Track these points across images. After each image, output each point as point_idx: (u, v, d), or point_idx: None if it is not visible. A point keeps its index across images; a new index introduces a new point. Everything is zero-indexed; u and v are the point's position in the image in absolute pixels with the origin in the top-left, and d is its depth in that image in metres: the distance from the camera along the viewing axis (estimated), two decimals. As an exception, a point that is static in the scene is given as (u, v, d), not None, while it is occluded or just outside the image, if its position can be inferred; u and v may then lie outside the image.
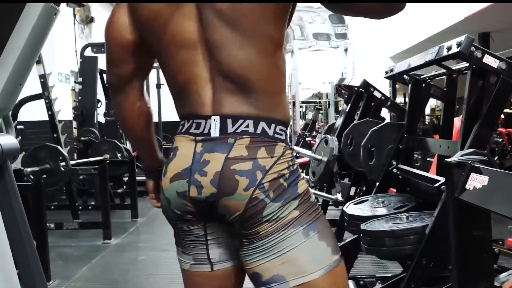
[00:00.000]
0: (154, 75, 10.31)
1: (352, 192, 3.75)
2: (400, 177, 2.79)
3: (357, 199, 2.83)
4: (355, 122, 3.76)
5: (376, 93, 3.72)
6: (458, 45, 1.83)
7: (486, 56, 1.84)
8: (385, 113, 4.97)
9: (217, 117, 1.08)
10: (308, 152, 4.15)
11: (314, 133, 8.33)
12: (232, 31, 1.06)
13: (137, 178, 8.40)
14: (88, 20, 8.79)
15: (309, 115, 8.04)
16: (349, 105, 4.04)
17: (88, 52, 6.98)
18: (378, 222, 2.32)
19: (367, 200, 2.78)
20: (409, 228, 2.09)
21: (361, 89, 3.86)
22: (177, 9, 1.08)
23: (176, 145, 1.13)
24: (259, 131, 1.08)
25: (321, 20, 11.70)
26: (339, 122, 4.22)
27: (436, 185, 2.11)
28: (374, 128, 3.01)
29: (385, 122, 2.94)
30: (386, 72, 2.94)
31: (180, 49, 1.11)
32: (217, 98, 1.09)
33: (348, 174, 3.94)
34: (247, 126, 1.08)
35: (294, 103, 10.02)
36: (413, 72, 2.70)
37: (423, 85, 2.80)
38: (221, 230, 1.16)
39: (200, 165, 1.07)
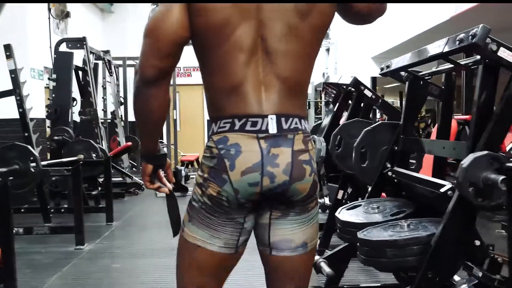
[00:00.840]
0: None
1: (340, 195, 3.57)
2: (395, 180, 2.62)
3: (349, 204, 2.64)
4: (344, 122, 3.58)
5: (366, 92, 3.55)
6: (473, 36, 1.65)
7: (502, 49, 1.67)
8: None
9: (274, 116, 1.27)
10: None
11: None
12: (297, 42, 1.28)
13: (113, 179, 8.16)
14: (64, 15, 8.47)
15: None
16: (337, 104, 3.86)
17: (63, 48, 6.69)
18: (376, 230, 2.13)
19: (360, 205, 2.60)
20: (412, 238, 1.90)
21: (350, 88, 3.68)
22: (246, 18, 1.25)
23: (236, 142, 1.27)
24: (303, 127, 1.34)
25: (303, 20, 11.55)
26: (326, 122, 4.05)
27: (442, 190, 1.93)
28: (368, 128, 2.83)
29: (379, 122, 2.76)
30: (382, 69, 2.76)
31: (241, 53, 1.26)
32: (270, 99, 1.28)
33: (335, 177, 3.76)
34: (296, 123, 1.31)
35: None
36: (411, 69, 2.53)
37: (421, 82, 2.63)
38: (252, 221, 1.37)
39: (270, 158, 1.26)
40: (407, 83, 2.64)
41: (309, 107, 11.62)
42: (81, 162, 4.31)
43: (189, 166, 9.76)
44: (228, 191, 1.29)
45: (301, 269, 1.42)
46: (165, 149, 1.72)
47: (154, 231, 4.93)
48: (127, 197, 7.10)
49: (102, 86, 8.73)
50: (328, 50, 9.97)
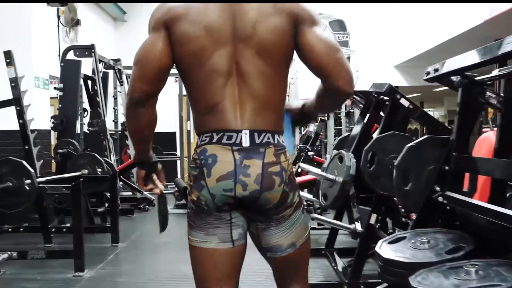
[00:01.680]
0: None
1: (372, 220, 3.10)
2: (447, 207, 2.16)
3: (391, 237, 2.18)
4: (377, 135, 3.11)
5: (403, 101, 3.09)
6: None
7: None
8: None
9: (247, 131, 1.47)
10: (318, 171, 3.50)
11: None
12: (261, 62, 1.47)
13: (122, 193, 7.78)
14: (74, 23, 8.15)
15: (310, 127, 7.40)
16: (368, 115, 3.41)
17: (71, 56, 6.34)
18: (433, 275, 1.67)
19: (405, 237, 2.14)
20: (490, 293, 1.44)
21: (383, 96, 3.23)
22: (221, 45, 1.45)
23: (213, 153, 1.47)
24: (276, 141, 1.51)
25: (322, 28, 11.11)
26: (354, 135, 3.59)
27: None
28: (411, 144, 2.37)
29: (425, 136, 2.31)
30: (428, 73, 2.32)
31: (218, 76, 1.46)
32: (244, 116, 1.48)
33: (367, 198, 3.29)
34: (268, 138, 1.49)
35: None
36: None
37: (477, 88, 2.17)
38: (241, 216, 1.55)
39: (242, 169, 1.45)
40: (460, 90, 2.19)
41: (328, 118, 11.20)
42: (82, 179, 3.89)
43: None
44: (206, 195, 1.48)
45: (296, 263, 1.63)
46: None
47: (163, 254, 4.51)
48: (136, 213, 6.69)
49: (113, 96, 8.38)
50: (348, 58, 9.51)
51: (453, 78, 2.21)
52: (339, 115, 10.91)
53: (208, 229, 1.53)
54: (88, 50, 6.33)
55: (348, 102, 7.46)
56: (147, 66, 1.48)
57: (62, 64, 6.18)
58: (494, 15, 5.77)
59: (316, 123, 7.93)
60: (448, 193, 2.14)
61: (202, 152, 1.50)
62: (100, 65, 7.08)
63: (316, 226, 4.80)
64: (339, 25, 11.23)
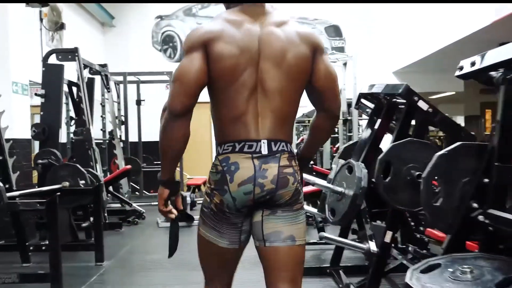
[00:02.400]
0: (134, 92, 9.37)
1: (388, 238, 2.75)
2: (489, 228, 1.80)
3: (422, 264, 1.81)
4: (394, 142, 2.76)
5: (421, 104, 2.74)
6: None
7: None
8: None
9: (265, 141, 1.70)
10: (324, 182, 3.14)
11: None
12: (285, 81, 1.68)
13: (111, 205, 7.37)
14: (58, 27, 7.77)
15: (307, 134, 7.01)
16: (380, 120, 3.06)
17: (53, 60, 5.96)
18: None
19: (439, 264, 1.77)
20: None
21: (396, 98, 2.88)
22: (250, 63, 1.67)
23: (235, 161, 1.68)
24: (288, 149, 1.74)
25: (317, 33, 10.81)
26: (363, 142, 3.24)
27: None
28: (442, 152, 2.00)
29: (459, 143, 1.95)
30: (461, 68, 1.97)
31: (245, 90, 1.67)
32: (264, 127, 1.69)
33: (380, 213, 2.93)
34: (283, 146, 1.72)
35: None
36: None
37: (523, 86, 1.82)
38: (248, 223, 1.76)
39: (261, 173, 1.67)
40: (502, 87, 1.84)
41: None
42: (59, 193, 3.50)
43: (196, 191, 8.92)
44: (228, 199, 1.69)
45: (291, 259, 1.74)
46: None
47: (153, 275, 4.11)
48: (125, 227, 6.28)
49: (101, 103, 8.00)
50: (345, 64, 9.19)
51: (493, 73, 1.87)
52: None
53: (222, 232, 1.74)
54: (71, 53, 5.95)
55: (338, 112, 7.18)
56: (187, 82, 1.64)
57: (44, 68, 5.78)
58: (502, 16, 5.46)
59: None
60: (491, 211, 1.78)
61: (224, 160, 1.69)
62: (85, 70, 6.71)
63: (317, 241, 4.43)
64: (334, 31, 10.96)
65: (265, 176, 1.66)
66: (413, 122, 3.04)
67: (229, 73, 1.65)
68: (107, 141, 7.64)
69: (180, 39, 10.72)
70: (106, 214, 6.06)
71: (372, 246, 2.71)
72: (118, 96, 8.98)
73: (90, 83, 7.02)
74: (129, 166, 6.70)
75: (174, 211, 1.79)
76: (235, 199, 1.67)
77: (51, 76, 5.83)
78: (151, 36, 10.75)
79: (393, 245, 2.85)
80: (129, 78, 9.24)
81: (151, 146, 10.24)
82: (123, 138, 8.64)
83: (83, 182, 4.42)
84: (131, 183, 9.91)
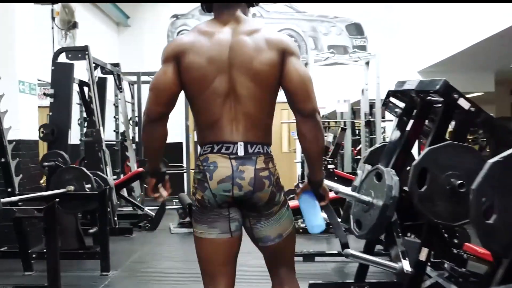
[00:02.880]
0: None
1: (423, 255, 2.40)
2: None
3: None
4: (431, 146, 2.41)
5: (462, 102, 2.39)
6: None
7: None
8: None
9: (242, 143, 1.81)
10: (348, 190, 2.81)
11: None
12: (254, 87, 1.80)
13: (123, 209, 7.13)
14: (71, 25, 7.54)
15: (329, 137, 6.71)
16: (413, 121, 2.71)
17: (64, 59, 5.72)
18: None
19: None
20: None
21: (431, 97, 2.53)
22: (220, 73, 1.79)
23: (214, 160, 1.81)
24: (265, 151, 1.85)
25: (337, 31, 10.46)
26: (392, 146, 2.89)
27: None
28: (496, 159, 1.66)
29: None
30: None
31: (217, 97, 1.80)
32: (239, 130, 1.82)
33: (414, 227, 2.59)
34: (259, 148, 1.83)
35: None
36: None
37: None
38: (237, 212, 1.88)
39: (238, 173, 1.79)
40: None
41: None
42: (63, 198, 3.22)
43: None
44: (208, 195, 1.82)
45: (283, 251, 1.96)
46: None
47: (160, 285, 3.83)
48: (136, 232, 6.01)
49: (114, 104, 7.76)
50: (367, 63, 8.83)
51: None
52: (357, 125, 10.24)
53: (210, 223, 1.85)
54: (81, 52, 5.71)
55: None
56: (160, 92, 1.82)
57: (53, 67, 5.55)
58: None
59: (330, 134, 7.25)
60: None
61: (204, 160, 1.83)
62: (97, 70, 6.47)
63: (339, 252, 4.09)
64: (356, 29, 10.59)
65: (242, 177, 1.79)
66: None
67: (198, 82, 1.80)
68: (120, 143, 7.37)
69: (196, 39, 10.46)
70: (116, 219, 5.80)
71: (405, 265, 2.37)
72: (132, 97, 8.75)
73: (102, 83, 6.79)
74: (141, 169, 6.44)
75: (164, 194, 1.99)
76: (215, 195, 1.80)
77: (61, 75, 5.61)
78: (167, 36, 10.50)
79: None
80: (143, 78, 9.02)
81: (166, 147, 10.01)
82: (137, 139, 8.42)
83: (89, 186, 4.16)
84: (144, 185, 9.72)
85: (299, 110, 1.81)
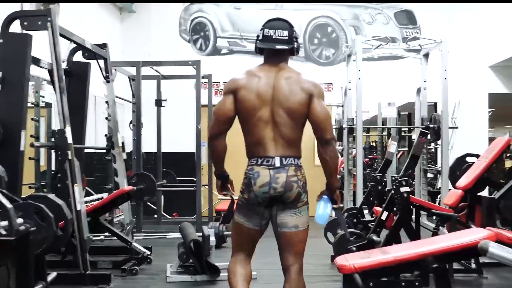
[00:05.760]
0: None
1: None
2: None
3: None
4: None
5: None
6: None
7: None
8: None
9: (278, 157, 2.52)
10: None
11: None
12: (288, 118, 2.52)
13: (111, 241, 5.37)
14: (51, -1, 5.85)
15: (390, 147, 4.86)
16: None
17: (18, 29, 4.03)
18: None
19: None
20: None
21: None
22: (265, 105, 2.52)
23: (257, 171, 2.52)
24: (295, 162, 2.55)
25: (384, 20, 8.62)
26: None
27: None
28: None
29: None
30: None
31: (261, 123, 2.53)
32: (277, 147, 2.53)
33: None
34: (291, 161, 2.53)
35: (352, 130, 6.87)
36: None
37: None
38: (268, 212, 2.57)
39: (274, 179, 2.49)
40: None
41: (388, 137, 8.68)
42: None
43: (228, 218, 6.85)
44: (252, 196, 2.52)
45: (296, 240, 2.56)
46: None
47: None
48: (117, 280, 4.22)
49: (106, 101, 6.03)
50: (426, 56, 6.97)
51: None
52: (404, 132, 8.39)
53: (249, 217, 2.59)
54: (42, 19, 3.97)
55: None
56: (220, 116, 2.57)
57: (0, 41, 3.86)
58: None
59: (394, 143, 5.40)
60: None
61: (251, 170, 2.55)
62: (65, 49, 4.77)
63: None
64: (407, 17, 8.70)
65: (277, 182, 2.49)
66: None
67: (248, 111, 2.54)
68: (107, 151, 5.59)
69: (213, 28, 8.72)
70: (88, 259, 4.01)
71: None
72: (134, 96, 7.05)
73: (83, 69, 5.07)
74: (129, 188, 4.67)
75: (230, 192, 2.79)
76: (257, 196, 2.51)
77: (12, 51, 3.91)
78: (179, 24, 8.81)
79: None
80: (147, 72, 7.30)
81: (173, 158, 8.27)
82: (132, 147, 6.68)
83: (4, 224, 2.37)
84: (148, 203, 7.98)
85: (320, 138, 2.53)
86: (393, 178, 3.84)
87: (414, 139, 7.30)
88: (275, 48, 2.57)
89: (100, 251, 5.09)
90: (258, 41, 2.62)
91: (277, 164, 2.48)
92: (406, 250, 2.43)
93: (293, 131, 2.52)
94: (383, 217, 3.95)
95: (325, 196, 2.67)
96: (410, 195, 3.81)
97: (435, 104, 7.13)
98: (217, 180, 2.75)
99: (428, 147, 7.09)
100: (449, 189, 5.21)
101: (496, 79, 7.31)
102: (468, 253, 2.27)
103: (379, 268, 2.35)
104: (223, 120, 2.54)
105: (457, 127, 7.05)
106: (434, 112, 7.01)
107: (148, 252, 4.61)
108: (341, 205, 5.40)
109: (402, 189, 3.77)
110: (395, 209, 3.87)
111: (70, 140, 3.95)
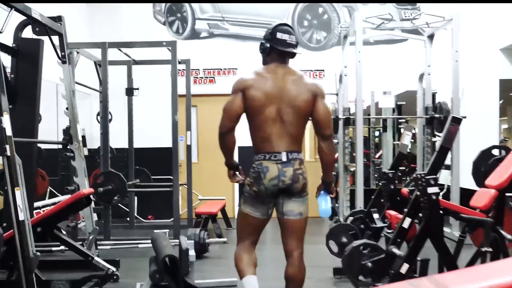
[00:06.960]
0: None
1: None
2: None
3: None
4: None
5: None
6: None
7: None
8: None
9: (284, 152, 2.76)
10: None
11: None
12: (294, 116, 2.76)
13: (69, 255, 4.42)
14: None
15: (404, 139, 4.10)
16: None
17: None
18: None
19: None
20: None
21: None
22: (272, 103, 2.75)
23: (266, 165, 2.76)
24: (299, 157, 2.81)
25: (382, -2, 7.84)
26: None
27: None
28: None
29: None
30: None
31: (269, 120, 2.76)
32: (283, 143, 2.76)
33: None
34: (295, 155, 2.78)
35: (349, 121, 6.10)
36: None
37: None
38: (274, 202, 2.82)
39: (283, 172, 2.74)
40: None
41: (384, 130, 7.95)
42: None
43: (210, 222, 5.99)
44: (262, 189, 2.76)
45: (298, 227, 2.83)
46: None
47: None
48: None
49: (72, 89, 5.13)
50: (431, 37, 6.24)
51: None
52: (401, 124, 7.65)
53: (256, 207, 2.83)
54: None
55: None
56: (230, 113, 2.76)
57: None
58: None
59: (409, 133, 4.63)
60: None
61: (259, 164, 2.78)
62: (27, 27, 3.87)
63: None
64: (405, -4, 8.00)
65: (285, 175, 2.74)
66: None
67: (256, 109, 2.75)
68: (64, 146, 4.68)
69: (192, 9, 7.85)
70: (40, 277, 3.15)
71: None
72: (101, 83, 6.17)
73: (33, 48, 4.18)
74: (88, 190, 3.80)
75: (239, 178, 2.95)
76: (267, 188, 2.75)
77: None
78: (152, 5, 7.92)
79: None
80: (117, 57, 6.42)
81: (147, 154, 7.39)
82: (98, 142, 5.80)
83: None
84: (120, 205, 7.10)
85: (321, 134, 2.83)
86: (418, 176, 3.06)
87: (403, 132, 6.57)
88: (293, 52, 2.89)
89: (56, 266, 4.26)
90: (270, 43, 2.86)
91: (284, 159, 2.76)
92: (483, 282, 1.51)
93: (297, 128, 2.80)
94: (405, 224, 3.17)
95: (322, 192, 2.97)
96: (441, 200, 3.03)
97: (433, 94, 6.41)
98: (228, 170, 2.95)
99: (433, 139, 6.35)
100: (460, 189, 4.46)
101: (508, 63, 6.58)
102: None
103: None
104: (233, 117, 2.76)
105: (465, 117, 6.30)
106: (432, 102, 6.28)
107: (114, 269, 3.75)
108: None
109: (430, 190, 2.99)
110: (420, 215, 3.10)
111: (9, 132, 3.08)
